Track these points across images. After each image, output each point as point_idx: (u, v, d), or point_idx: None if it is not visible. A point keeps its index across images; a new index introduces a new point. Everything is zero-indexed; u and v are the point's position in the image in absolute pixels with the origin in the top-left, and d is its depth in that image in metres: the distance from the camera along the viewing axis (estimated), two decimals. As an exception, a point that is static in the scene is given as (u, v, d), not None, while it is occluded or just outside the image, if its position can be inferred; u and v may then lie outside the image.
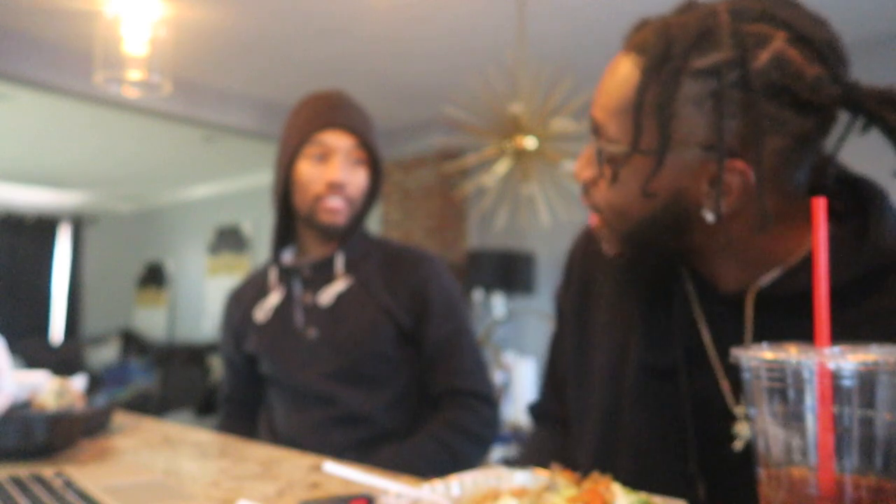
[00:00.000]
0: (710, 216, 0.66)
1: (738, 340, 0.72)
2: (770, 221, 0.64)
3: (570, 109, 2.85)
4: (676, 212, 0.69)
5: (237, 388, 1.54)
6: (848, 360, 0.45)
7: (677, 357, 0.75)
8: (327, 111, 1.36)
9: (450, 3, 3.34)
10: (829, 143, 0.70)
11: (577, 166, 0.76)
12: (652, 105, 0.65)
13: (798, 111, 0.63)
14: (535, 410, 1.03)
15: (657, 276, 0.80)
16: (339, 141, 1.35)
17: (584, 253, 0.93)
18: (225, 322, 1.55)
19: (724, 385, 0.73)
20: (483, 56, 3.75)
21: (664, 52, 0.65)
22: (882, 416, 0.46)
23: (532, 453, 0.97)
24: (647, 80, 0.66)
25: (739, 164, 0.64)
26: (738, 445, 0.71)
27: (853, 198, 0.72)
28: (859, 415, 0.46)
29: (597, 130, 0.71)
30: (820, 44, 0.64)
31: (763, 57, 0.63)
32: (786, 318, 0.69)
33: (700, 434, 0.73)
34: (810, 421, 0.47)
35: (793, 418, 0.47)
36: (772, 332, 0.69)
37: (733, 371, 0.72)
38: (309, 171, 1.35)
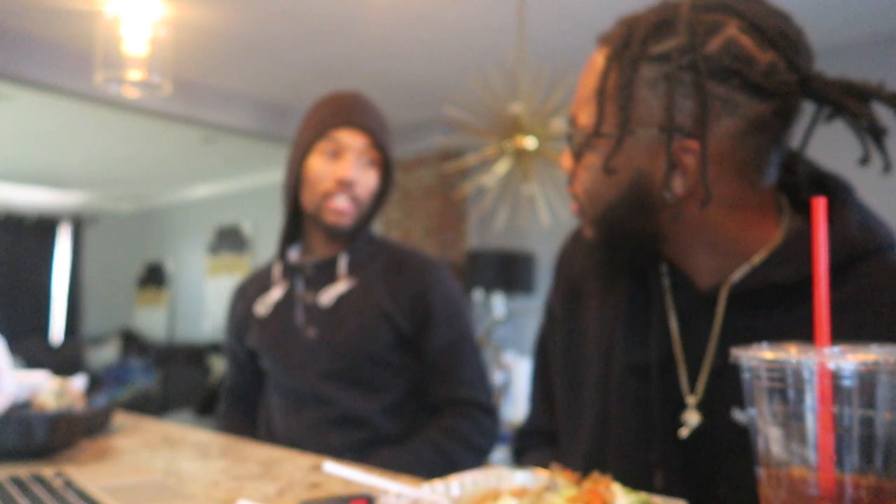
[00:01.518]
0: (669, 196, 0.70)
1: (707, 336, 0.74)
2: (710, 199, 0.67)
3: (570, 109, 2.85)
4: (639, 193, 0.72)
5: (239, 381, 1.54)
6: (848, 360, 0.45)
7: (651, 354, 0.77)
8: (344, 110, 1.36)
9: (450, 4, 3.34)
10: (797, 139, 0.74)
11: (562, 158, 0.80)
12: (612, 89, 0.70)
13: (750, 95, 0.66)
14: (523, 439, 0.99)
15: (637, 267, 0.81)
16: (353, 140, 1.34)
17: (572, 254, 0.94)
18: (229, 315, 1.55)
19: (683, 377, 0.75)
20: (483, 56, 3.75)
21: (625, 41, 0.70)
22: (882, 416, 0.46)
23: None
24: (609, 66, 0.71)
25: (693, 143, 0.67)
26: (683, 433, 0.74)
27: (822, 193, 0.74)
28: (859, 415, 0.46)
29: (571, 122, 0.76)
30: (773, 32, 0.67)
31: (714, 43, 0.66)
32: (755, 312, 0.71)
33: (666, 427, 0.75)
34: (810, 421, 0.47)
35: (793, 418, 0.47)
36: (741, 327, 0.71)
37: (694, 364, 0.75)
38: (320, 168, 1.34)
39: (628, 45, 0.70)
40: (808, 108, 0.72)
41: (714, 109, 0.66)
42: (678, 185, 0.69)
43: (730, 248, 0.73)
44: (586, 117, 0.74)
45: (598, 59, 0.74)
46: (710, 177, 0.67)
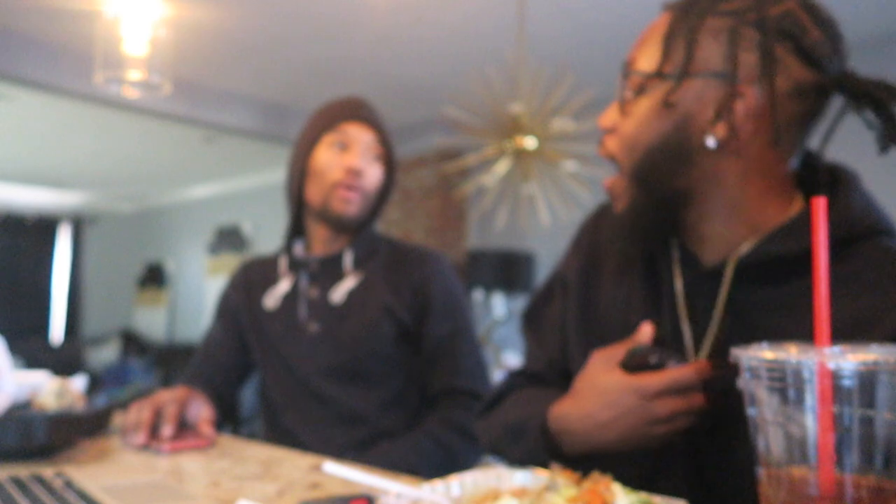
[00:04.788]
0: (711, 141, 0.74)
1: (711, 309, 0.78)
2: (781, 136, 0.72)
3: (570, 109, 2.85)
4: (680, 137, 0.76)
5: (205, 371, 1.47)
6: (848, 360, 0.45)
7: (666, 329, 0.80)
8: (352, 107, 1.42)
9: (450, 4, 3.34)
10: (815, 143, 0.79)
11: (603, 115, 0.84)
12: (680, 33, 0.75)
13: (800, 60, 0.72)
14: (510, 380, 0.99)
15: (656, 238, 0.84)
16: (361, 133, 1.38)
17: (595, 228, 0.97)
18: (225, 300, 1.52)
19: (689, 349, 0.79)
20: (483, 56, 3.75)
21: (694, 1, 0.76)
22: (882, 416, 0.46)
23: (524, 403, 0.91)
24: (679, 17, 0.76)
25: (745, 89, 0.72)
26: None
27: (829, 180, 0.79)
28: (859, 414, 0.46)
29: (626, 67, 0.80)
30: (825, 17, 0.74)
31: (777, 9, 0.73)
32: (759, 286, 0.75)
33: None
34: (810, 421, 0.47)
35: (793, 418, 0.47)
36: (744, 300, 0.76)
37: (700, 336, 0.79)
38: (328, 158, 1.37)
39: (698, 1, 0.76)
40: (828, 114, 0.77)
41: (773, 64, 0.72)
42: (721, 129, 0.74)
43: (746, 217, 0.77)
44: (647, 62, 0.78)
45: (661, 19, 0.79)
46: (749, 130, 0.73)
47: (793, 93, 0.73)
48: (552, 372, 0.96)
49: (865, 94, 0.72)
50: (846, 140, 0.89)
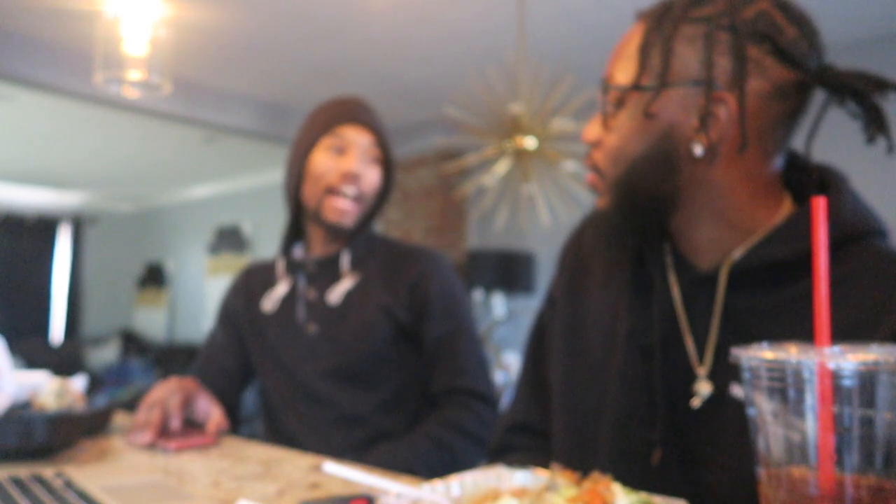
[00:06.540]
0: (698, 149, 0.73)
1: (709, 313, 0.77)
2: (747, 143, 0.72)
3: (570, 109, 2.85)
4: (666, 147, 0.75)
5: (207, 376, 1.47)
6: (848, 360, 0.45)
7: (655, 335, 0.79)
8: (350, 109, 1.40)
9: (450, 4, 3.34)
10: (799, 143, 0.79)
11: (586, 130, 0.83)
12: (654, 45, 0.74)
13: (778, 60, 0.72)
14: (508, 433, 0.99)
15: (644, 237, 0.83)
16: (358, 136, 1.37)
17: (579, 240, 0.97)
18: (225, 305, 1.53)
19: (691, 350, 0.78)
20: (483, 56, 3.75)
21: (666, 9, 0.76)
22: (882, 416, 0.46)
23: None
24: (652, 27, 0.75)
25: (726, 95, 0.72)
26: (695, 403, 0.76)
27: (818, 181, 0.79)
28: (859, 414, 0.46)
29: (605, 82, 0.79)
30: (799, 14, 0.74)
31: (750, 11, 0.73)
32: (755, 290, 0.75)
33: (668, 406, 0.77)
34: (810, 421, 0.47)
35: (793, 418, 0.47)
36: (742, 304, 0.75)
37: (700, 340, 0.77)
38: (325, 162, 1.36)
39: (670, 10, 0.76)
40: (811, 111, 0.76)
41: (747, 67, 0.72)
42: (706, 137, 0.73)
43: (735, 221, 0.76)
44: (624, 75, 0.77)
45: (635, 30, 0.79)
46: (734, 135, 0.73)
47: (773, 93, 0.72)
48: (536, 415, 0.96)
49: (846, 87, 0.72)
50: (826, 139, 0.89)
